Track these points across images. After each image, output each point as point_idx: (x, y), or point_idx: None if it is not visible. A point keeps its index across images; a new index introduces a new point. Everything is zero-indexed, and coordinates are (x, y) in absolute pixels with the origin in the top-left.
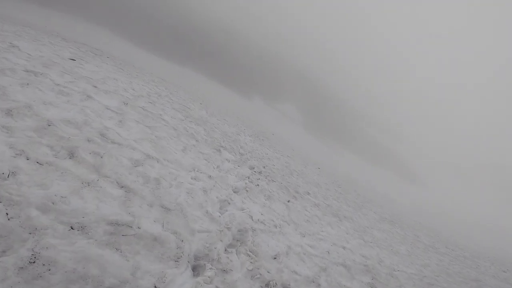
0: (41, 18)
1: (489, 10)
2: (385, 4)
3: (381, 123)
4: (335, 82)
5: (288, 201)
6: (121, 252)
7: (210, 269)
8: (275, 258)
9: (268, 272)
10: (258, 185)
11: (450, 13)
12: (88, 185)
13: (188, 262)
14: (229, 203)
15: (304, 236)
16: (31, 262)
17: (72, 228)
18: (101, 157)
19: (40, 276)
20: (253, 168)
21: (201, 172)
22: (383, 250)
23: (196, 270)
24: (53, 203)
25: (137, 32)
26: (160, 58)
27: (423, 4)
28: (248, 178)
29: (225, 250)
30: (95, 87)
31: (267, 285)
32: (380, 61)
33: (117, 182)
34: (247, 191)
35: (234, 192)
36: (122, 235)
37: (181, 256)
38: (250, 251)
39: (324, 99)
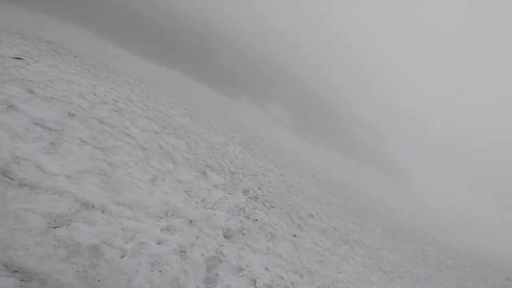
0: (15, 19)
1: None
2: (376, 6)
3: (369, 124)
4: (322, 83)
5: (294, 236)
6: None
7: None
8: None
9: None
10: (256, 220)
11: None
12: None
13: None
14: (220, 261)
15: None
16: None
17: None
18: None
19: None
20: (248, 191)
21: (177, 216)
22: (404, 281)
23: None
24: None
25: (123, 34)
26: (145, 59)
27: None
28: (243, 211)
29: None
30: (31, 92)
31: None
32: (369, 62)
33: (5, 265)
34: (244, 234)
35: (227, 237)
36: None
37: None
38: None
39: (312, 101)
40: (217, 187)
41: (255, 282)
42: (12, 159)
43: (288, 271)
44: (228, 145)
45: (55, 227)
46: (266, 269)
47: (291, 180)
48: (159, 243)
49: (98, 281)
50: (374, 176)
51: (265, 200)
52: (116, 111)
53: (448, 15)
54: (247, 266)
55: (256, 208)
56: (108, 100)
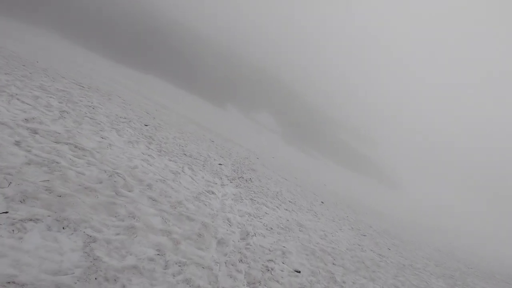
0: None
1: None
2: (363, 11)
3: (359, 130)
4: (310, 89)
5: None
6: None
7: None
8: None
9: None
10: None
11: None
12: None
13: None
14: None
15: None
16: None
17: None
18: None
19: None
20: None
21: None
22: None
23: None
24: None
25: (101, 38)
26: (121, 64)
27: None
28: None
29: None
30: None
31: None
32: (356, 66)
33: None
34: None
35: None
36: None
37: None
38: None
39: (299, 107)
40: None
41: None
42: None
43: None
44: (213, 192)
45: None
46: None
47: (316, 235)
48: None
49: None
50: (368, 184)
51: None
52: None
53: (438, 17)
54: None
55: None
56: None
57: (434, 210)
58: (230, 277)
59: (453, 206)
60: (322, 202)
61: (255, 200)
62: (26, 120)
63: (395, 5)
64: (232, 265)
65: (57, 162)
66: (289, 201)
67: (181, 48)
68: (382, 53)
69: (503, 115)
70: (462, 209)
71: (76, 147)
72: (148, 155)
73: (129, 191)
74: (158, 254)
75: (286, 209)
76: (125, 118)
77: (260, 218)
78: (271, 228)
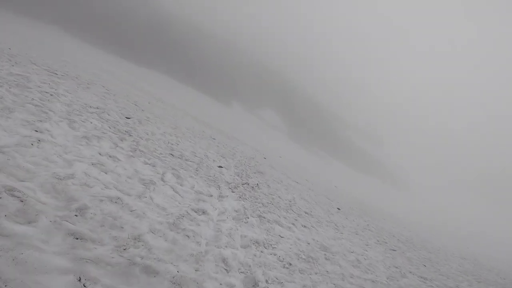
0: None
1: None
2: (369, 12)
3: (364, 130)
4: (316, 88)
5: None
6: None
7: None
8: None
9: None
10: None
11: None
12: None
13: None
14: None
15: None
16: None
17: None
18: None
19: None
20: None
21: None
22: None
23: None
24: None
25: (103, 33)
26: (123, 58)
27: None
28: None
29: None
30: None
31: None
32: (361, 63)
33: None
34: None
35: None
36: None
37: None
38: None
39: (305, 105)
40: None
41: None
42: None
43: None
44: (204, 212)
45: None
46: None
47: (347, 262)
48: None
49: None
50: (376, 184)
51: None
52: None
53: (445, 17)
54: None
55: None
56: None
57: (440, 212)
58: None
59: (457, 207)
60: (338, 209)
61: (264, 218)
62: None
63: (404, 5)
64: None
65: None
66: (305, 213)
67: (186, 44)
68: (391, 52)
69: None
70: (468, 210)
71: None
72: (109, 157)
73: (23, 223)
74: None
75: (304, 226)
76: (97, 108)
77: (273, 248)
78: (290, 264)
